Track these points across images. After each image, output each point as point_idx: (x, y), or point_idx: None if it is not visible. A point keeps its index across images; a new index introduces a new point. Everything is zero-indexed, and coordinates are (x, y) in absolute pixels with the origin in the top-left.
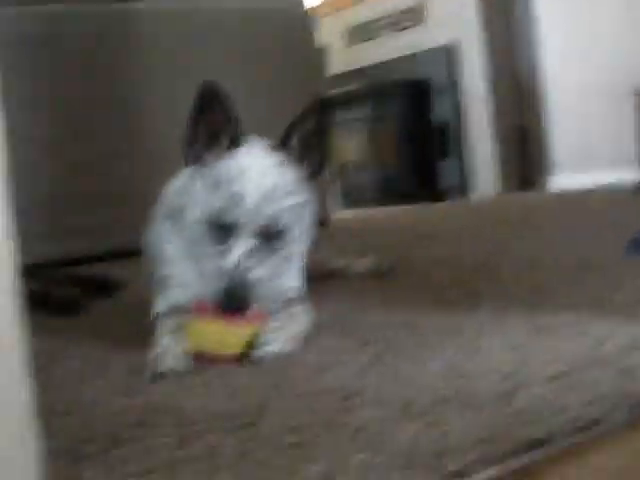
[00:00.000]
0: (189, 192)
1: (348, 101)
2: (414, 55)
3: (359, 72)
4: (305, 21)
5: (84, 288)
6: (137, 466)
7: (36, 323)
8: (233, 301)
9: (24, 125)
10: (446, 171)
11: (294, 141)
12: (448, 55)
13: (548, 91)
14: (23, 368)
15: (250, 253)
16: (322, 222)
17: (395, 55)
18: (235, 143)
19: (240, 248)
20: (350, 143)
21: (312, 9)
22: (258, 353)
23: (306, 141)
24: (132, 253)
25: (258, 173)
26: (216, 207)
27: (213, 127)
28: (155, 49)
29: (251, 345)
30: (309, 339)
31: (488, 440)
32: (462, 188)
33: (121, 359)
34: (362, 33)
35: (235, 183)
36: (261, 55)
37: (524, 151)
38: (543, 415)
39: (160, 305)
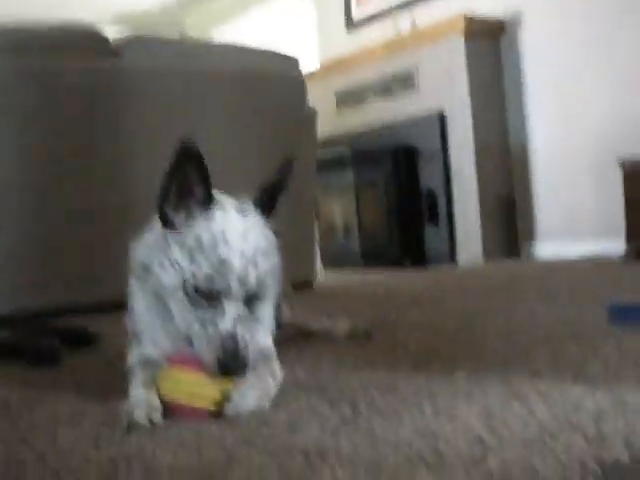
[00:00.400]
0: (161, 255)
1: (336, 165)
2: (403, 122)
3: (347, 137)
4: (301, 85)
5: (62, 339)
6: None
7: (10, 373)
8: (232, 367)
9: (12, 171)
10: (433, 237)
11: (263, 200)
12: (437, 123)
13: (535, 160)
14: None
15: (240, 318)
16: (307, 284)
17: (384, 121)
18: (207, 203)
19: (232, 314)
20: (337, 207)
21: (305, 74)
22: (233, 408)
23: (271, 197)
24: (117, 305)
25: (240, 236)
26: (202, 274)
27: (185, 187)
28: (154, 106)
29: (225, 399)
30: (282, 397)
31: None
32: (448, 255)
33: (96, 410)
34: (351, 98)
35: (219, 248)
36: (256, 115)
37: (510, 220)
38: (513, 479)
39: (132, 357)
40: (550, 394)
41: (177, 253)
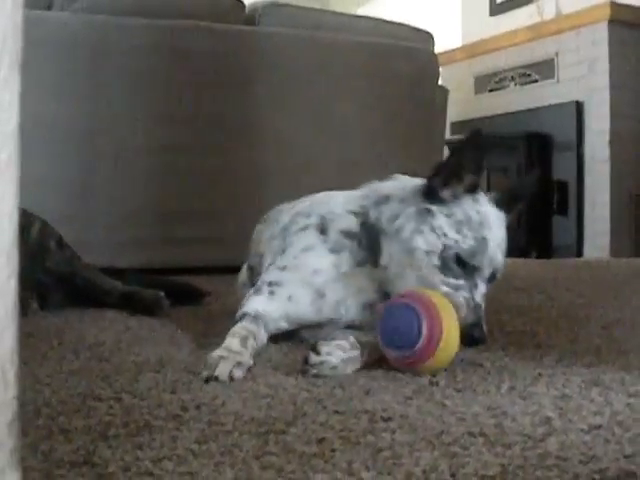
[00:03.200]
0: (419, 221)
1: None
2: (539, 109)
3: (482, 121)
4: (433, 59)
5: (170, 293)
6: (154, 453)
7: (115, 319)
8: (478, 333)
9: (151, 136)
10: (561, 228)
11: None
12: (574, 112)
13: None
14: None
15: (484, 296)
16: None
17: (520, 107)
18: (474, 189)
19: (482, 290)
20: None
21: (445, 54)
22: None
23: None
24: (229, 269)
25: (497, 223)
26: (467, 245)
27: (461, 168)
28: (282, 72)
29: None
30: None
31: (502, 478)
32: (575, 248)
33: (183, 357)
34: (489, 82)
35: (484, 228)
36: (385, 90)
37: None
38: (571, 462)
39: (251, 306)
40: (634, 387)
41: (442, 220)
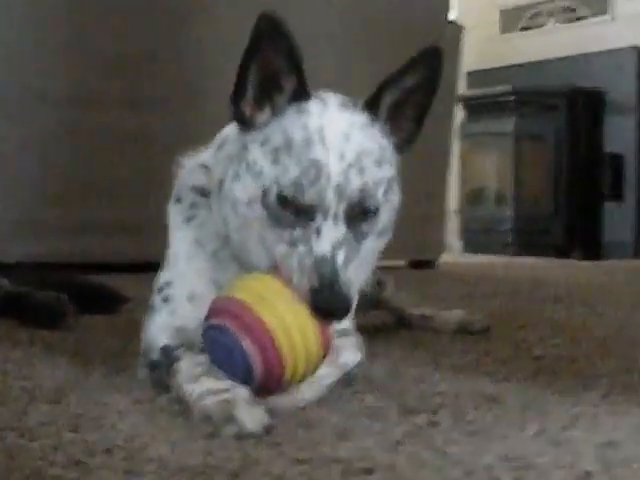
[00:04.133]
0: (235, 164)
1: (491, 109)
2: (587, 56)
3: (509, 70)
4: None
5: (77, 297)
6: None
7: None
8: (330, 301)
9: (56, 83)
10: (614, 219)
11: (386, 100)
12: (634, 60)
13: None
14: None
15: (342, 243)
16: (428, 263)
17: (561, 53)
18: (299, 96)
19: (330, 235)
20: (488, 165)
21: None
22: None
23: (402, 100)
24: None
25: (340, 135)
26: (289, 180)
27: (269, 73)
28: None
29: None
30: (347, 393)
31: None
32: (633, 245)
33: (91, 383)
34: (521, 18)
35: (314, 148)
36: (365, 27)
37: None
38: None
39: (158, 331)
40: None
41: (257, 152)
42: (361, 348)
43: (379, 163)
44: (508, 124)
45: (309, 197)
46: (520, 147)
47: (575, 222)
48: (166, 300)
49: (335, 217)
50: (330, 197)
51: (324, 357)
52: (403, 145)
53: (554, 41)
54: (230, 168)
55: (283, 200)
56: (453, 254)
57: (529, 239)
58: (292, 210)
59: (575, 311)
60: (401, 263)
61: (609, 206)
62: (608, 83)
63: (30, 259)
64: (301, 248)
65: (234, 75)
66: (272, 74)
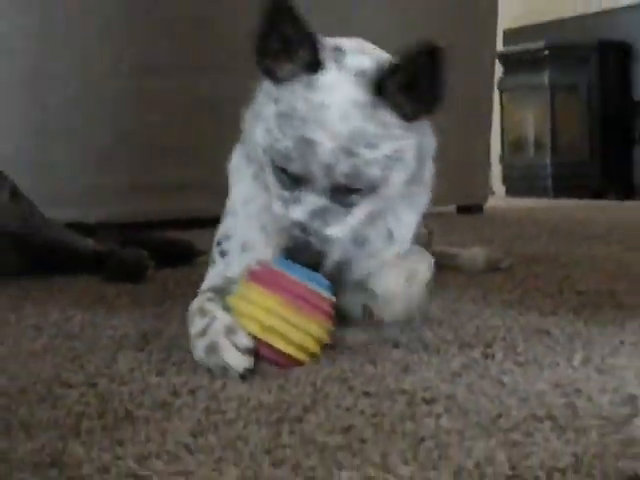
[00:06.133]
0: (260, 106)
1: (527, 63)
2: (615, 11)
3: (545, 27)
4: None
5: (155, 252)
6: (138, 449)
7: (87, 287)
8: (299, 259)
9: (119, 54)
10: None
11: (399, 77)
12: None
13: None
14: None
15: (319, 212)
16: (475, 207)
17: (593, 8)
18: (314, 65)
19: (308, 204)
20: (525, 116)
21: None
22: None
23: (416, 75)
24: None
25: (339, 115)
26: (282, 147)
27: (285, 43)
28: None
29: (322, 343)
30: (403, 333)
31: (575, 470)
32: None
33: (172, 331)
34: None
35: (309, 124)
36: None
37: None
38: None
39: (210, 280)
40: None
41: (271, 111)
42: (429, 261)
43: (375, 144)
44: (543, 77)
45: (297, 169)
46: (555, 98)
47: (609, 166)
48: (223, 254)
49: (318, 190)
50: (316, 174)
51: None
52: (424, 113)
53: None
54: (256, 107)
55: (275, 164)
56: (497, 199)
57: (567, 183)
58: (287, 176)
59: (613, 249)
60: (451, 209)
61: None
62: (635, 35)
63: (108, 220)
64: (284, 210)
65: None
66: (287, 43)
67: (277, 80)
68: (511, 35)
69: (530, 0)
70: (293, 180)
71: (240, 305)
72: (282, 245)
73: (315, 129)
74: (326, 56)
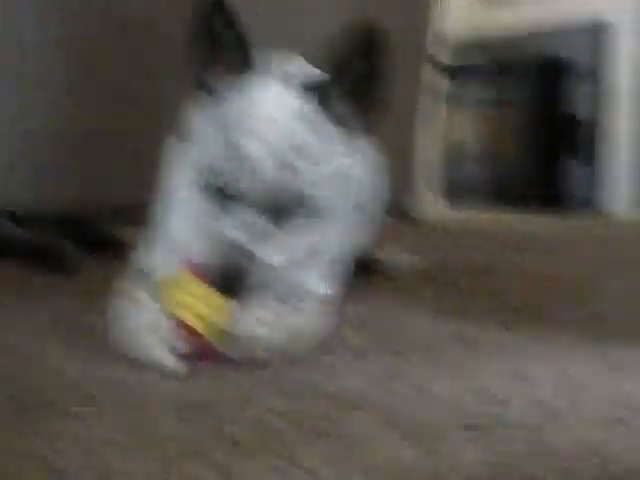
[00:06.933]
0: (199, 128)
1: (474, 77)
2: (553, 30)
3: (491, 43)
4: None
5: (84, 243)
6: (57, 442)
7: (16, 276)
8: (225, 281)
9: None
10: (573, 176)
11: (334, 87)
12: (595, 33)
13: None
14: None
15: (254, 229)
16: (411, 217)
17: (531, 28)
18: (247, 67)
19: (239, 219)
20: (469, 128)
21: None
22: (238, 325)
23: (352, 87)
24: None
25: (271, 123)
26: (208, 160)
27: (217, 47)
28: None
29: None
30: (327, 340)
31: (490, 478)
32: (591, 199)
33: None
34: None
35: (240, 134)
36: None
37: None
38: (578, 461)
39: (140, 266)
40: None
41: (201, 120)
42: (326, 315)
43: (314, 156)
44: (487, 92)
45: (225, 182)
46: (497, 112)
47: (548, 179)
48: (152, 243)
49: (252, 205)
50: (250, 187)
51: None
52: (365, 126)
53: (525, 16)
54: (191, 119)
55: (205, 178)
56: (439, 210)
57: (505, 195)
58: (217, 190)
59: (547, 260)
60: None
61: (568, 164)
62: (571, 53)
63: (36, 210)
64: (212, 226)
65: None
66: (220, 48)
67: (211, 91)
68: (459, 50)
69: (478, 17)
70: (229, 197)
71: (174, 294)
72: (212, 259)
73: (247, 138)
74: (263, 65)
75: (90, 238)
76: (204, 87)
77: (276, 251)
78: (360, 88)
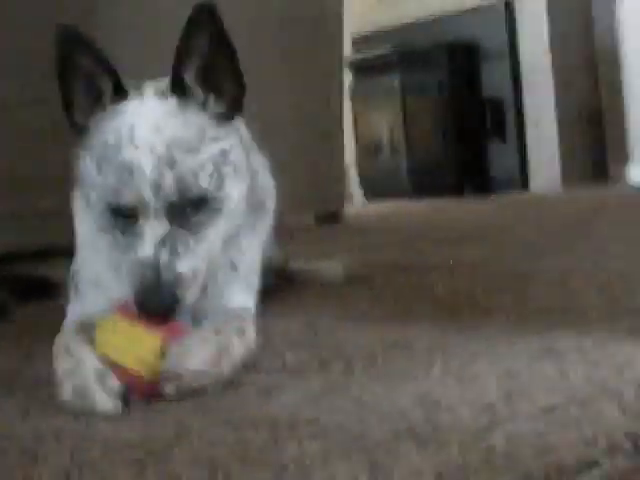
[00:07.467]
0: (82, 171)
1: (377, 68)
2: (461, 12)
3: (392, 32)
4: None
5: (14, 288)
6: None
7: None
8: (152, 303)
9: None
10: (499, 158)
11: (191, 73)
12: (503, 13)
13: (628, 63)
14: None
15: (166, 240)
16: (333, 216)
17: (437, 12)
18: (119, 97)
19: (152, 235)
20: (379, 120)
21: None
22: (170, 365)
23: (206, 69)
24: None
25: (149, 129)
26: (108, 186)
27: (86, 80)
28: None
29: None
30: (262, 356)
31: None
32: (518, 179)
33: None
34: None
35: (124, 149)
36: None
37: (597, 137)
38: (520, 457)
39: (70, 317)
40: (593, 353)
41: (89, 164)
42: (254, 331)
43: (195, 148)
44: (393, 81)
45: (127, 200)
46: (406, 100)
47: (464, 163)
48: (76, 289)
49: (156, 215)
50: (146, 196)
51: None
52: (232, 109)
53: (430, 1)
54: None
55: (109, 208)
56: (356, 205)
57: (424, 182)
58: (119, 216)
59: (469, 249)
60: (309, 220)
61: (493, 146)
62: (482, 36)
63: None
64: (128, 253)
65: None
66: (89, 79)
67: (82, 130)
68: (359, 42)
69: (376, 6)
70: (129, 216)
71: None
72: (134, 287)
73: (131, 151)
74: (126, 85)
75: (21, 285)
76: (76, 127)
77: (193, 258)
78: (209, 65)
